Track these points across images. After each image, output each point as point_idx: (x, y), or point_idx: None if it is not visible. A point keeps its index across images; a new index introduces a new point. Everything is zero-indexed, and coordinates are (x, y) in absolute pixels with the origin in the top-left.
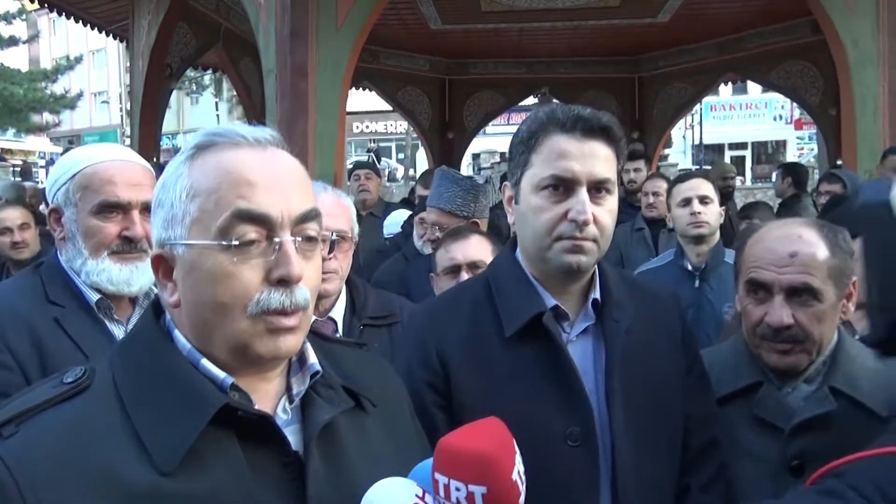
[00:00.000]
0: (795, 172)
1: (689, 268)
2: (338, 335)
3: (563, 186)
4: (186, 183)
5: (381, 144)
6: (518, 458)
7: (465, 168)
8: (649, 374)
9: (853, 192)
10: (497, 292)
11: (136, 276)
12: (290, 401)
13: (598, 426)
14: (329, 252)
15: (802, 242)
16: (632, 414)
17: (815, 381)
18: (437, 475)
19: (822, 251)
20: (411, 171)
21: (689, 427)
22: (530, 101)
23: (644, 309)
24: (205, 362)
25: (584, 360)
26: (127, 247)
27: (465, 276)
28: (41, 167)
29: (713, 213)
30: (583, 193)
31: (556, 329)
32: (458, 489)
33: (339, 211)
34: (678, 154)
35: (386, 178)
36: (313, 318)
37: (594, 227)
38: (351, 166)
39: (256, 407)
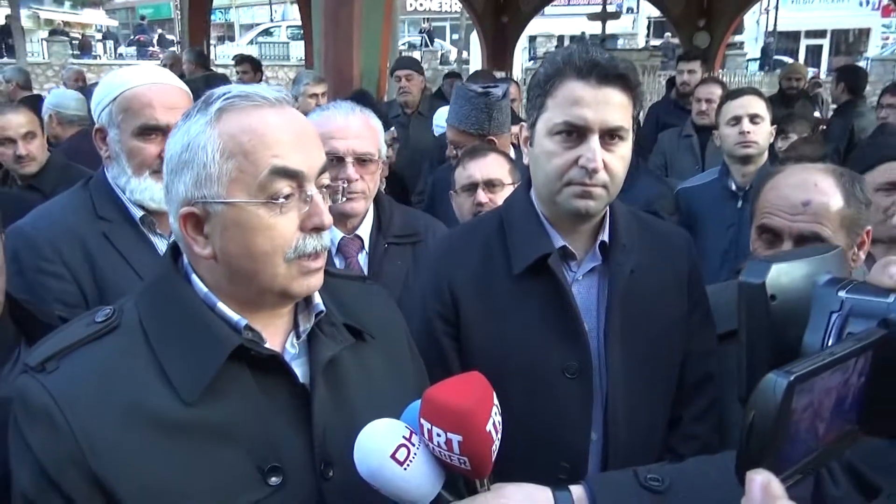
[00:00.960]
0: (850, 77)
1: (734, 188)
2: (364, 252)
3: (575, 133)
4: (218, 144)
5: (435, 24)
6: (495, 411)
7: (520, 53)
8: (650, 314)
9: None
10: (509, 230)
11: None
12: (298, 336)
13: (595, 361)
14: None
15: (817, 191)
16: (629, 352)
17: None
18: (422, 420)
19: (836, 200)
20: (465, 54)
21: (686, 362)
22: None
23: (653, 250)
24: (221, 305)
25: (587, 298)
26: None
27: (481, 193)
28: (98, 41)
29: (763, 133)
30: (594, 141)
31: (560, 270)
32: (439, 435)
33: (367, 133)
34: (749, 41)
35: (438, 61)
36: (341, 235)
37: (604, 173)
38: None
39: (267, 343)
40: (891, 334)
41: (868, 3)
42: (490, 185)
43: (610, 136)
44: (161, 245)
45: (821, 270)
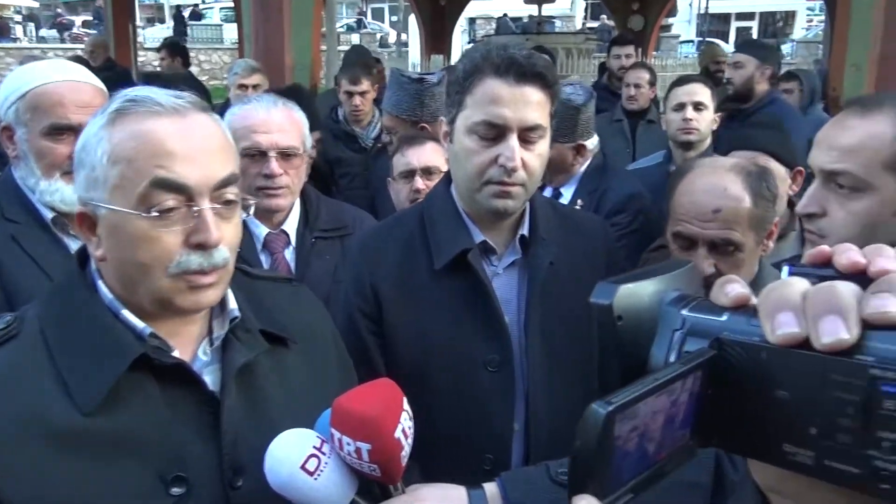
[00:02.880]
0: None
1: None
2: (291, 247)
3: (494, 131)
4: (107, 147)
5: (374, 6)
6: (404, 417)
7: (460, 35)
8: (570, 304)
9: (807, 91)
10: (429, 226)
11: None
12: (211, 343)
13: (516, 354)
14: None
15: (727, 197)
16: (548, 343)
17: None
18: (332, 429)
19: (745, 204)
20: (404, 36)
21: None
22: None
23: (571, 241)
24: (125, 313)
25: (508, 292)
26: None
27: (419, 180)
28: (17, 23)
29: (706, 120)
30: (513, 140)
31: (479, 265)
32: (348, 444)
33: (290, 126)
34: (682, 24)
35: (377, 44)
36: (267, 230)
37: (523, 171)
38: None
39: (176, 351)
40: (720, 354)
41: None
42: (427, 172)
43: (528, 134)
44: (74, 246)
45: (669, 288)
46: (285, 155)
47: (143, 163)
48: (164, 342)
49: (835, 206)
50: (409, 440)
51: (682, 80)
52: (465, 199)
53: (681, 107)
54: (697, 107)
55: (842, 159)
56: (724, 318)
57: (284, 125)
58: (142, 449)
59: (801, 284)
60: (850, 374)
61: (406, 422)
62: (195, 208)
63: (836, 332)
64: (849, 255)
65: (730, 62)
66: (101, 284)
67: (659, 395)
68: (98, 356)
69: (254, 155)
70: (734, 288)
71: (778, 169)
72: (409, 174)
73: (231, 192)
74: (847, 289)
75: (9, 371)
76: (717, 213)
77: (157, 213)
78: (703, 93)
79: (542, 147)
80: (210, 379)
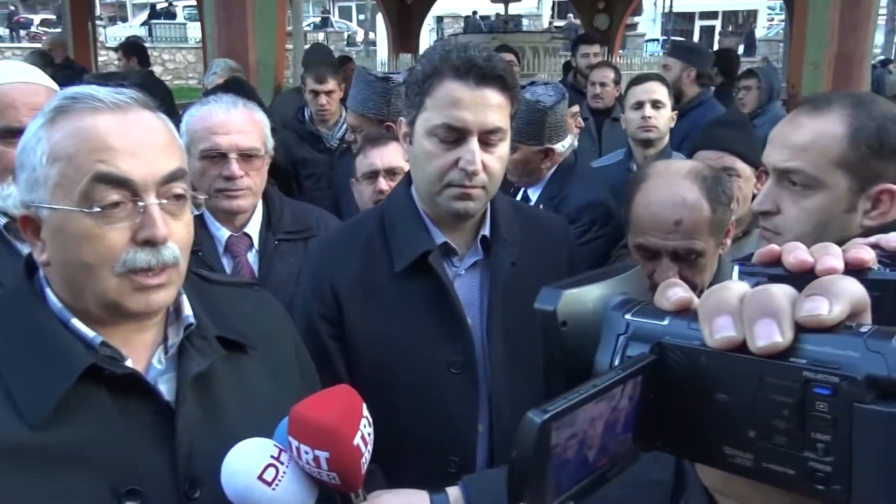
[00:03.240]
0: (722, 61)
1: (635, 169)
2: (253, 250)
3: (454, 134)
4: (46, 147)
5: (341, 5)
6: (364, 423)
7: (427, 34)
8: (531, 305)
9: (766, 89)
10: (390, 228)
11: None
12: (166, 351)
13: (479, 356)
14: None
15: (685, 208)
16: (511, 343)
17: None
18: (290, 438)
19: (703, 212)
20: (371, 35)
21: None
22: None
23: (533, 241)
24: (75, 322)
25: (470, 293)
26: None
27: (382, 181)
28: None
29: (664, 118)
30: (473, 143)
31: (440, 267)
32: (306, 452)
33: (250, 128)
34: (647, 22)
35: (345, 43)
36: (228, 233)
37: (483, 174)
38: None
39: (129, 360)
40: (660, 358)
41: None
42: (391, 172)
43: (488, 136)
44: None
45: (615, 292)
46: (246, 156)
47: (83, 159)
48: (117, 351)
49: (788, 203)
50: (369, 447)
51: (639, 79)
52: (425, 201)
53: (639, 105)
54: (655, 105)
55: (794, 157)
56: (666, 322)
57: (245, 126)
58: (93, 462)
59: (739, 288)
60: (784, 377)
61: (365, 428)
62: (141, 204)
63: (770, 335)
64: (796, 254)
65: (661, 65)
66: (49, 293)
67: (598, 402)
68: (46, 367)
69: (214, 157)
70: (676, 292)
71: (744, 168)
72: (373, 175)
73: (179, 187)
74: (781, 292)
75: None
76: (679, 225)
77: (99, 209)
78: (660, 91)
79: (503, 149)
80: (165, 388)
